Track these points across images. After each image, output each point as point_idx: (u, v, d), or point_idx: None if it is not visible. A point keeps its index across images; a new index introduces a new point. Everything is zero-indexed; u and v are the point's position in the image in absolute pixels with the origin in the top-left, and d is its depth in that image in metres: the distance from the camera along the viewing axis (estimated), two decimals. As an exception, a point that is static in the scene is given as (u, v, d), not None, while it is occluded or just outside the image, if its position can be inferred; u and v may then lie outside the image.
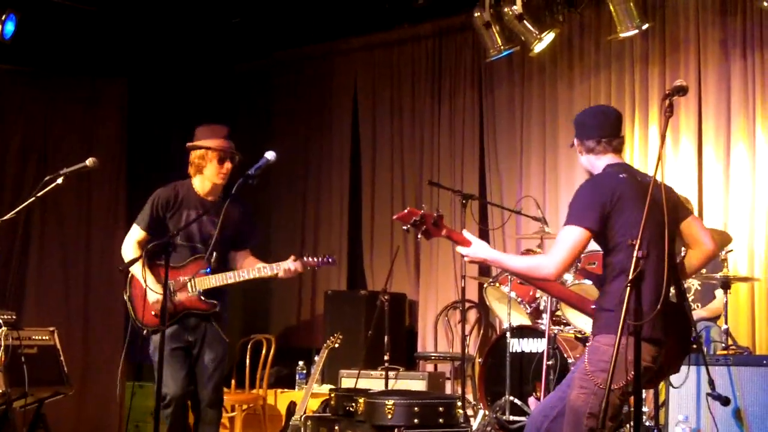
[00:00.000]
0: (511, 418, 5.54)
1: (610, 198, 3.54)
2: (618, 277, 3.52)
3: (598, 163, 3.73)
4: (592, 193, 3.61)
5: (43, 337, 5.49)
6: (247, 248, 5.09)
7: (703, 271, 5.55)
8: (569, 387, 3.60)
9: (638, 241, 3.28)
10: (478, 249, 3.71)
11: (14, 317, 5.41)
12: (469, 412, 5.73)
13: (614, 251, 3.56)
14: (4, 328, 5.13)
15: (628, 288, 3.25)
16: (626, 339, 3.29)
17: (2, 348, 5.03)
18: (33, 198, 4.40)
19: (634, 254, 3.27)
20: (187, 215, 4.89)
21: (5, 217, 4.48)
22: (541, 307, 5.82)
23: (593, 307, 3.69)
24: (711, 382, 4.45)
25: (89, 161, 4.60)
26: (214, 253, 4.76)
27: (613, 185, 3.58)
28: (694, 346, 3.88)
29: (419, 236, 3.76)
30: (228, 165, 4.96)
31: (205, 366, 4.86)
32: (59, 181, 4.47)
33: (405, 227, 3.76)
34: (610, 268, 3.59)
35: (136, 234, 4.94)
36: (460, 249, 3.73)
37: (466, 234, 3.75)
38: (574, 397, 3.48)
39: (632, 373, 3.32)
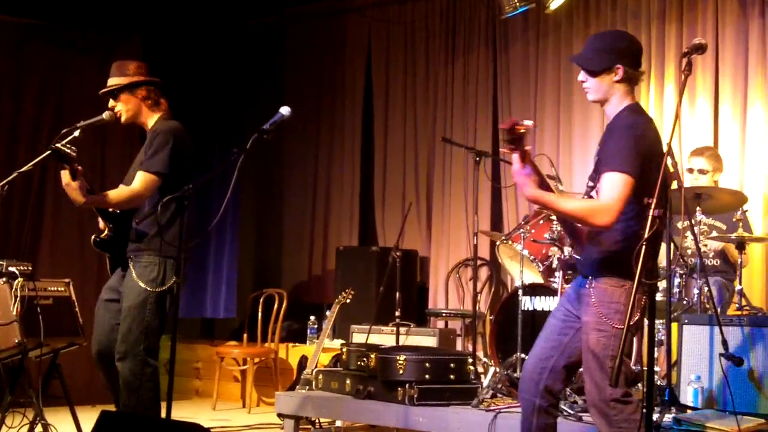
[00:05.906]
0: (522, 375, 5.56)
1: (654, 152, 3.43)
2: (628, 222, 3.43)
3: (620, 99, 3.57)
4: (640, 142, 3.44)
5: (59, 289, 5.51)
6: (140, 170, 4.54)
7: (724, 227, 5.55)
8: (575, 331, 3.57)
9: (654, 200, 3.26)
10: (527, 183, 3.51)
11: (30, 268, 5.43)
12: (480, 369, 5.76)
13: (634, 200, 3.43)
14: (20, 279, 5.14)
15: (644, 246, 3.23)
16: (626, 282, 3.40)
17: (18, 299, 5.05)
18: (50, 150, 4.39)
19: (650, 212, 3.24)
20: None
21: (22, 169, 4.46)
22: (554, 266, 5.82)
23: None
24: (724, 343, 4.44)
25: (106, 114, 4.60)
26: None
27: (658, 141, 3.49)
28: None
29: (506, 141, 3.52)
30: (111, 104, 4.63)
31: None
32: (76, 134, 4.45)
33: (504, 134, 3.55)
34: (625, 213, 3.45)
35: None
36: (514, 169, 3.53)
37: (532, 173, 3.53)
38: (594, 342, 3.45)
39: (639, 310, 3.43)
